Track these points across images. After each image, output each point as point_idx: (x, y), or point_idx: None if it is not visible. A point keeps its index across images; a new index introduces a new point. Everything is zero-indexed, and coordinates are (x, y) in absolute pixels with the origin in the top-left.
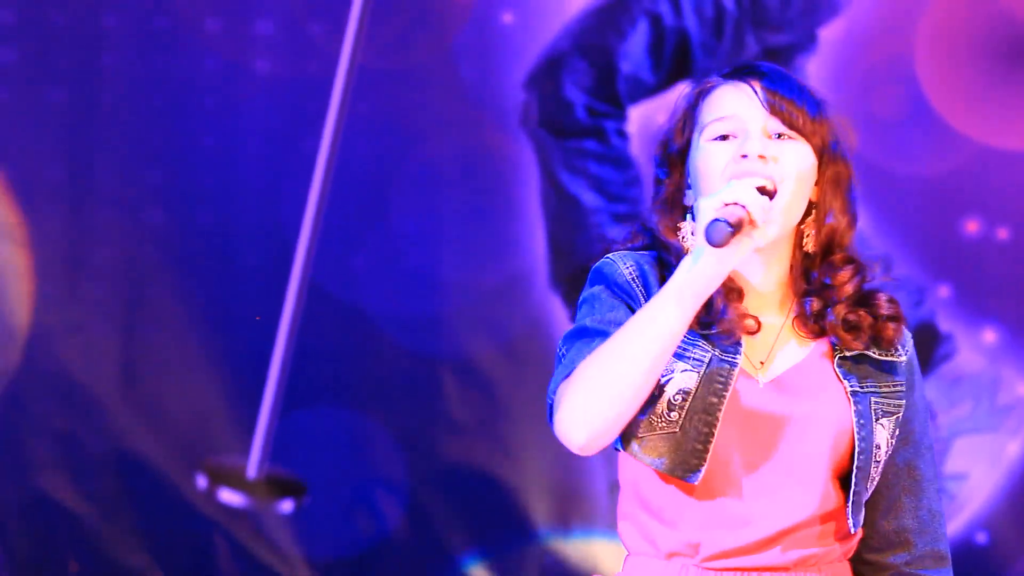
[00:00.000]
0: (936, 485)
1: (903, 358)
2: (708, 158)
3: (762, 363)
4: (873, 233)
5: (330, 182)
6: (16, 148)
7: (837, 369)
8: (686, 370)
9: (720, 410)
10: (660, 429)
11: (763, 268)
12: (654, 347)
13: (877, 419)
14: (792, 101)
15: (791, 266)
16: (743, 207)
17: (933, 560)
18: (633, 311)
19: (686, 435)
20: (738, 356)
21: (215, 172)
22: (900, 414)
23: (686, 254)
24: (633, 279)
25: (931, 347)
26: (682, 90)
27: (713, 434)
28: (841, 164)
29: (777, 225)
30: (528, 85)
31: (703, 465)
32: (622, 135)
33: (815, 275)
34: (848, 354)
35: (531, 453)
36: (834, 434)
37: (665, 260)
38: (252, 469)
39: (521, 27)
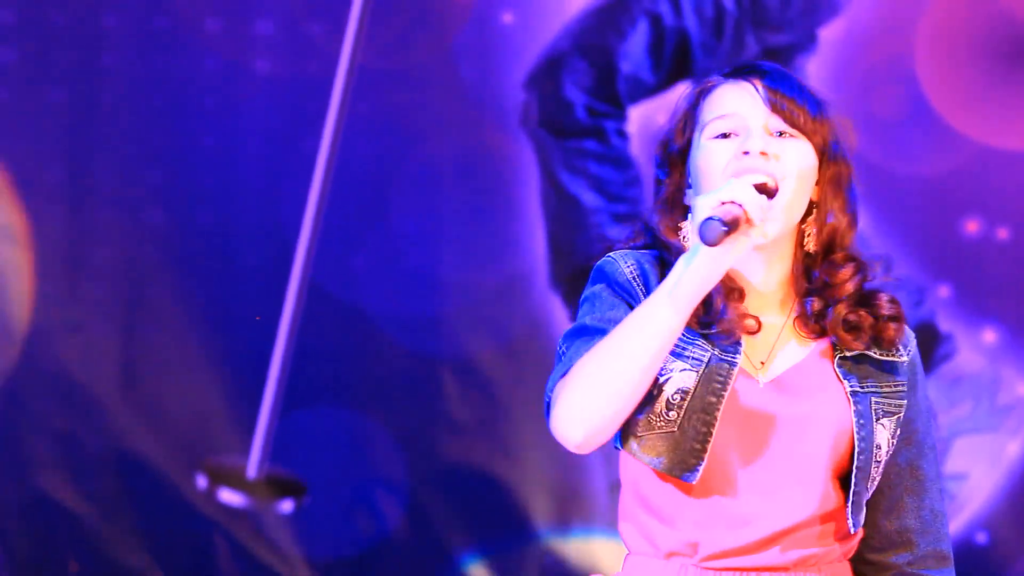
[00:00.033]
0: (939, 485)
1: (904, 358)
2: (709, 156)
3: (763, 363)
4: (873, 233)
5: (330, 182)
6: (16, 148)
7: (837, 369)
8: (685, 369)
9: (718, 409)
10: (659, 428)
11: (764, 268)
12: (650, 345)
13: (878, 419)
14: (793, 100)
15: (792, 266)
16: (739, 206)
17: (935, 560)
18: (633, 309)
19: (684, 434)
20: (738, 356)
21: (215, 172)
22: (901, 414)
23: None
24: (634, 278)
25: (931, 347)
26: (682, 90)
27: (711, 433)
28: (842, 164)
29: (778, 223)
30: (528, 85)
31: (701, 464)
32: (622, 135)
33: (816, 274)
34: (849, 354)
35: (531, 453)
36: (834, 434)
37: (666, 260)
38: (252, 469)
39: (521, 27)
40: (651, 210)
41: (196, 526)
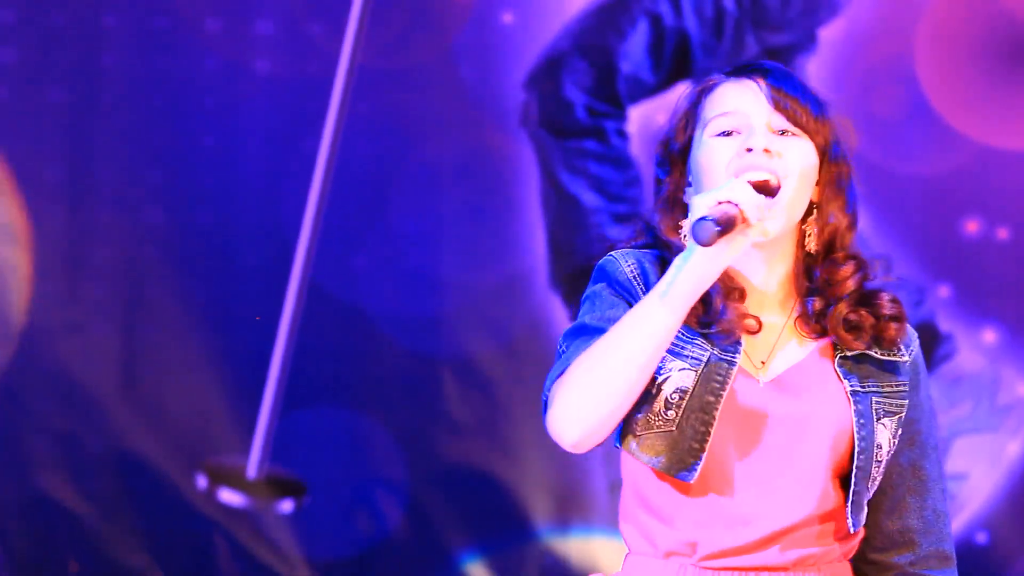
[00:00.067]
0: (941, 485)
1: (906, 358)
2: (711, 153)
3: (763, 362)
4: (873, 233)
5: (330, 182)
6: (16, 148)
7: (838, 368)
8: (684, 369)
9: (717, 409)
10: (657, 427)
11: (765, 267)
12: (646, 345)
13: (878, 419)
14: (797, 99)
15: (793, 265)
16: (736, 206)
17: (938, 560)
18: None
19: (683, 434)
20: (737, 356)
21: (215, 172)
22: (902, 414)
23: None
24: (634, 277)
25: (931, 347)
26: (683, 89)
27: (709, 433)
28: (842, 164)
29: (780, 221)
30: (528, 85)
31: (699, 464)
32: (622, 135)
33: (817, 274)
34: (849, 354)
35: (531, 453)
36: (833, 434)
37: (667, 259)
38: (252, 469)
39: (521, 27)
40: (652, 209)
41: (196, 526)
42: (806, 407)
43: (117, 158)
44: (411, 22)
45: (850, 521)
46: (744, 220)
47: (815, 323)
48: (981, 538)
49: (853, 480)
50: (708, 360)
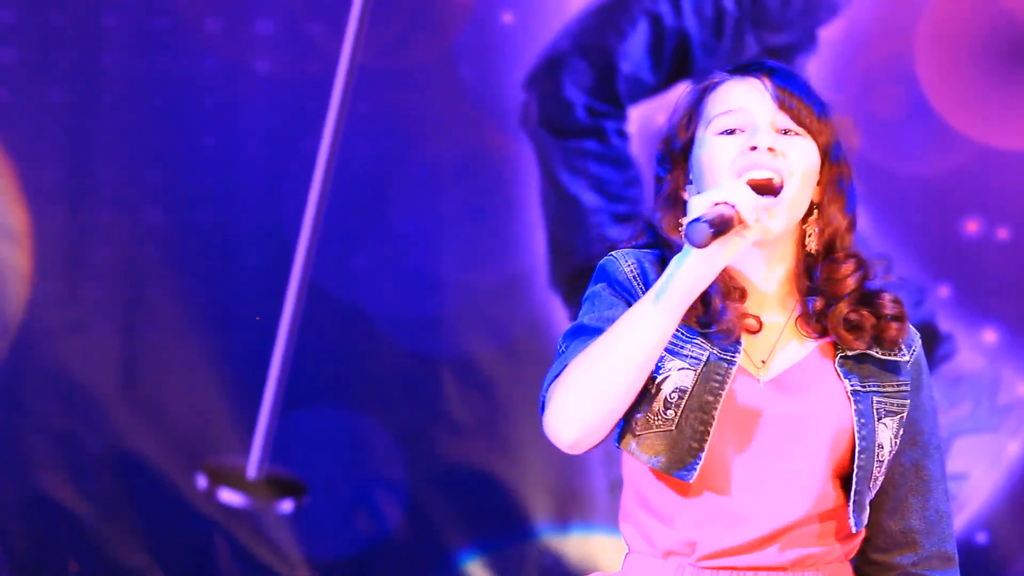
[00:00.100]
0: (944, 486)
1: (907, 358)
2: (715, 152)
3: (763, 362)
4: (873, 233)
5: (330, 182)
6: (16, 148)
7: (838, 368)
8: (683, 368)
9: (716, 408)
10: (657, 427)
11: (765, 267)
12: (642, 346)
13: (879, 418)
14: (801, 99)
15: (794, 265)
16: (732, 207)
17: (940, 561)
18: None
19: (682, 433)
20: (737, 355)
21: (215, 172)
22: (904, 414)
23: None
24: (634, 277)
25: (931, 347)
26: (686, 87)
27: (709, 432)
28: (843, 165)
29: (782, 219)
30: (528, 85)
31: (698, 463)
32: (622, 135)
33: (818, 274)
34: (850, 353)
35: (530, 452)
36: (832, 433)
37: (667, 258)
38: (252, 469)
39: (521, 27)
40: (652, 207)
41: (196, 526)
42: (806, 406)
43: (117, 158)
44: (411, 22)
45: (852, 521)
46: (741, 221)
47: (816, 322)
48: (981, 538)
49: (855, 480)
50: (707, 360)
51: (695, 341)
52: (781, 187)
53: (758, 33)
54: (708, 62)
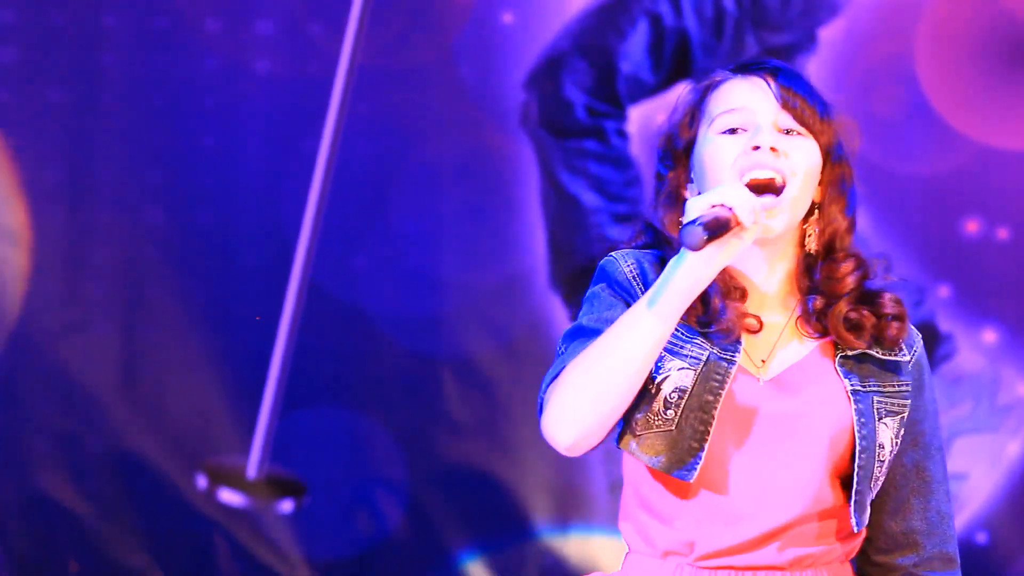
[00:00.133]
0: (945, 487)
1: (907, 358)
2: (717, 151)
3: (763, 361)
4: (873, 233)
5: (330, 182)
6: (16, 148)
7: (838, 367)
8: (683, 368)
9: (716, 408)
10: (657, 427)
11: (766, 266)
12: (640, 347)
13: (880, 418)
14: (804, 99)
15: (795, 265)
16: (729, 209)
17: (941, 562)
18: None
19: (682, 433)
20: (737, 355)
21: (215, 172)
22: (905, 414)
23: None
24: (633, 277)
25: (931, 347)
26: (688, 85)
27: (709, 432)
28: (845, 166)
29: (783, 219)
30: (528, 85)
31: (698, 463)
32: (622, 135)
33: (818, 275)
34: (850, 353)
35: (530, 452)
36: (831, 432)
37: (667, 259)
38: (252, 469)
39: (521, 27)
40: (653, 205)
41: (196, 526)
42: (804, 405)
43: (117, 158)
44: (411, 22)
45: (853, 520)
46: (738, 223)
47: (816, 322)
48: (981, 538)
49: (855, 479)
50: (707, 359)
51: (695, 341)
52: (783, 187)
53: (758, 33)
54: (708, 62)
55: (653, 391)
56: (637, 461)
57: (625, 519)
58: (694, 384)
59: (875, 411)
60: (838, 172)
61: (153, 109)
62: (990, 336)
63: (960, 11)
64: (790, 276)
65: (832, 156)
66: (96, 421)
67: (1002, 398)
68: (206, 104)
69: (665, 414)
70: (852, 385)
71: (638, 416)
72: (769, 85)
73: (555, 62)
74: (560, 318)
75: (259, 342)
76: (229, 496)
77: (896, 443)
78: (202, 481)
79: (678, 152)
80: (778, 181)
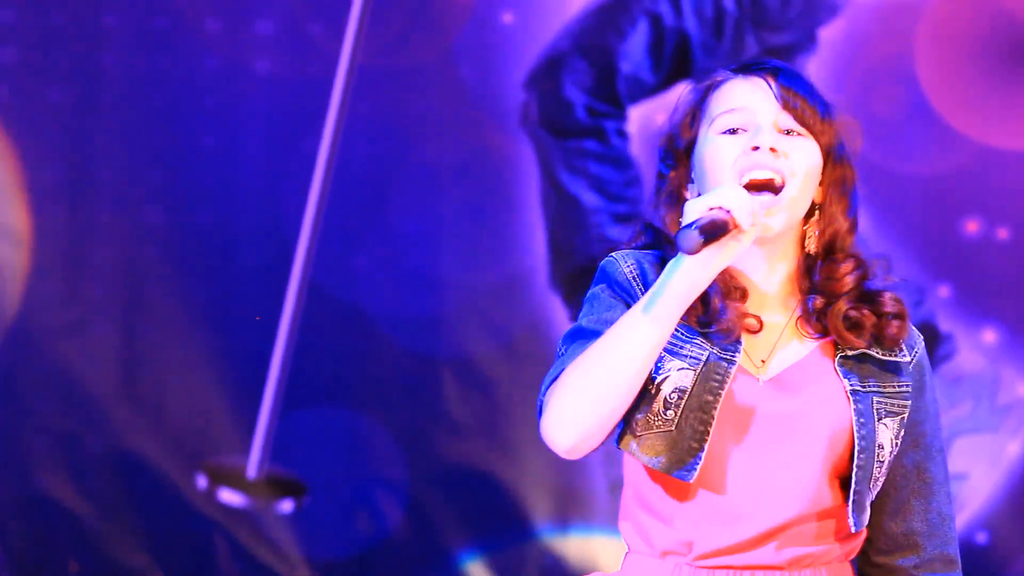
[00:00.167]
0: (946, 488)
1: (908, 358)
2: (717, 151)
3: (763, 361)
4: (873, 233)
5: (330, 182)
6: (16, 148)
7: (838, 367)
8: (683, 368)
9: (715, 408)
10: (657, 427)
11: (766, 266)
12: (638, 351)
13: (880, 419)
14: (805, 99)
15: (795, 265)
16: (727, 211)
17: (942, 564)
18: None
19: (682, 433)
20: (736, 355)
21: (215, 172)
22: (905, 415)
23: None
24: (633, 278)
25: (931, 347)
26: (686, 87)
27: (708, 432)
28: (846, 167)
29: (783, 218)
30: (528, 85)
31: (697, 463)
32: (622, 135)
33: (818, 276)
34: (850, 353)
35: (530, 452)
36: (830, 432)
37: (668, 259)
38: (252, 469)
39: (521, 27)
40: (654, 205)
41: (196, 526)
42: (804, 405)
43: (117, 158)
44: (411, 22)
45: (851, 521)
46: (736, 226)
47: (816, 322)
48: (981, 538)
49: (853, 480)
50: (707, 360)
51: (695, 341)
52: (782, 187)
53: (758, 33)
54: (708, 62)
55: (653, 391)
56: (637, 461)
57: (625, 519)
58: (694, 384)
59: (875, 411)
60: (839, 173)
61: (153, 109)
62: (990, 336)
63: (960, 11)
64: (790, 276)
65: (833, 157)
66: (96, 421)
67: (1002, 398)
68: (206, 104)
69: (665, 414)
70: (852, 385)
71: (638, 417)
72: (770, 85)
73: (555, 62)
74: (560, 318)
75: (259, 342)
76: (229, 496)
77: (896, 444)
78: (202, 481)
79: (679, 152)
80: (777, 181)
